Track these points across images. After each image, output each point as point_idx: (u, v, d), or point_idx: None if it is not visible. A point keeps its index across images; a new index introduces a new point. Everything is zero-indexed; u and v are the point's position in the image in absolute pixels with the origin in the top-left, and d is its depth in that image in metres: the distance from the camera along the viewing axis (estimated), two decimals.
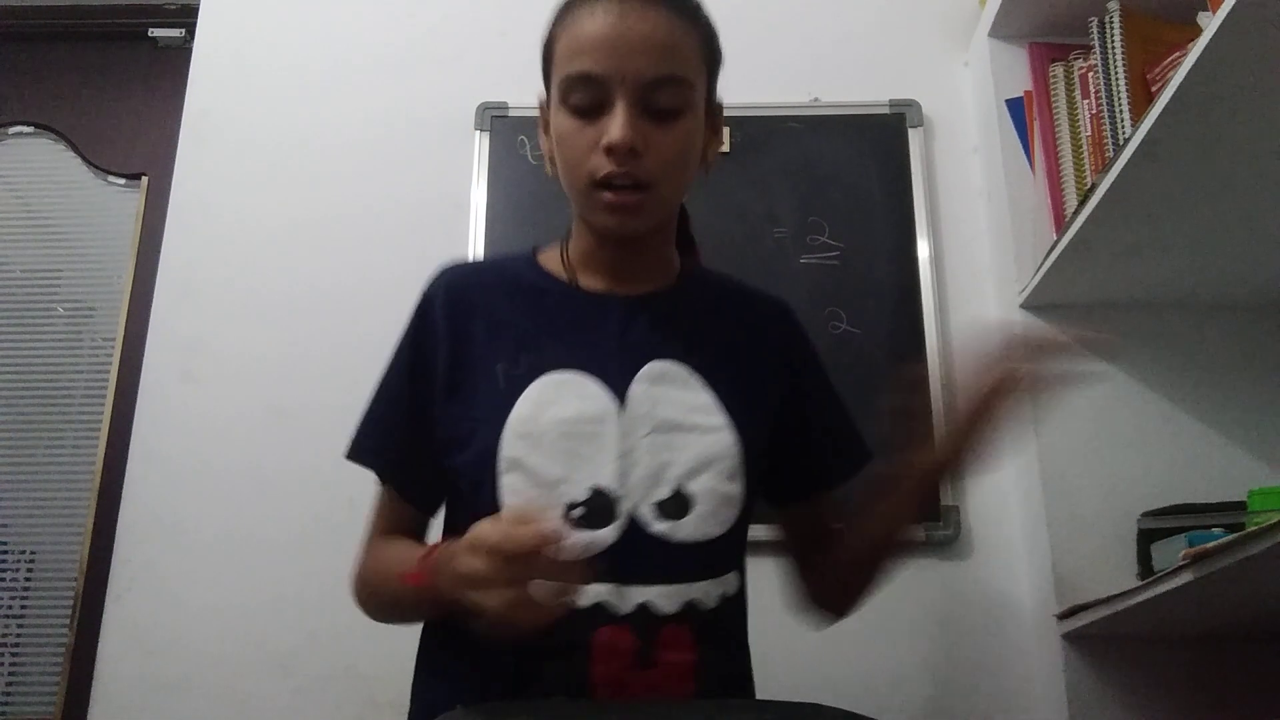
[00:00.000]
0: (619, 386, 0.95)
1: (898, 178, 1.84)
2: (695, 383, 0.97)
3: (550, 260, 1.06)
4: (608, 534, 0.89)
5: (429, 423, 0.99)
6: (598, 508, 0.90)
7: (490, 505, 0.90)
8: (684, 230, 1.11)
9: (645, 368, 0.96)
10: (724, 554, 0.95)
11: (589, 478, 0.90)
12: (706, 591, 0.91)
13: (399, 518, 1.04)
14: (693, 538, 0.91)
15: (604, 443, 0.92)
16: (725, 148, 1.85)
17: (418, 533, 1.05)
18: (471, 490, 0.94)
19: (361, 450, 1.05)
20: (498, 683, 0.88)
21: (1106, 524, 1.52)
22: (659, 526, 0.90)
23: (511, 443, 0.91)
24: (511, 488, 0.90)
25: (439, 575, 0.82)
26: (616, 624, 0.87)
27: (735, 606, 0.97)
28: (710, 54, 0.99)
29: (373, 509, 1.06)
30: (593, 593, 0.86)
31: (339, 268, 1.86)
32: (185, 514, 1.71)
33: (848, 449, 1.11)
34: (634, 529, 0.89)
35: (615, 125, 0.90)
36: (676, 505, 0.91)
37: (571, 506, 0.89)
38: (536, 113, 1.05)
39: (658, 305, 1.02)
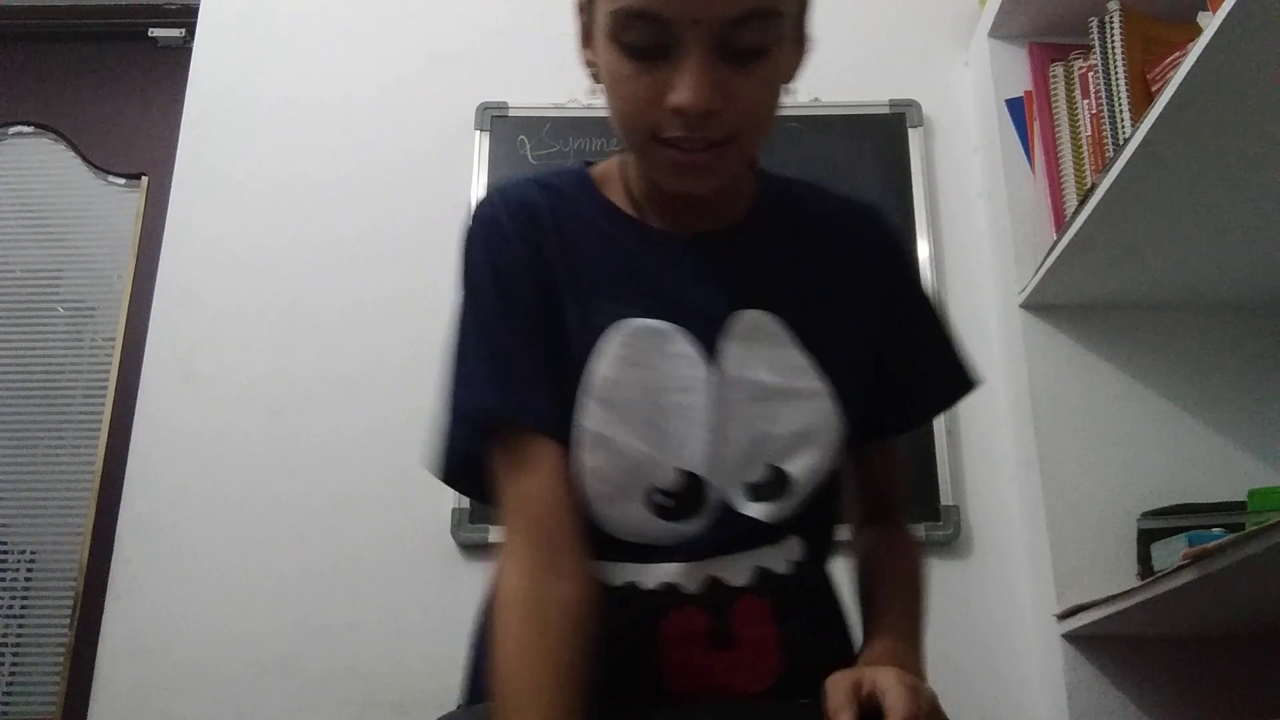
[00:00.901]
0: (709, 343, 0.80)
1: (898, 178, 1.84)
2: (786, 337, 0.82)
3: (610, 187, 0.88)
4: (694, 525, 0.78)
5: (554, 347, 0.81)
6: (684, 494, 0.78)
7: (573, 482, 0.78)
8: None
9: (737, 321, 0.82)
10: (791, 526, 0.82)
11: (675, 458, 0.78)
12: (774, 557, 0.80)
13: (566, 482, 0.78)
14: (782, 517, 0.80)
15: (694, 414, 0.79)
16: None
17: (566, 505, 0.79)
18: None
19: (513, 406, 0.79)
20: None
21: (1106, 524, 1.52)
22: (751, 509, 0.79)
23: (592, 411, 0.78)
24: (594, 469, 0.77)
25: None
26: (687, 605, 0.78)
27: (811, 571, 0.84)
28: None
29: (510, 490, 0.78)
30: (661, 573, 0.78)
31: (339, 267, 1.86)
32: (185, 514, 1.71)
33: (935, 383, 0.93)
34: (725, 516, 0.79)
35: (687, 84, 0.71)
36: (772, 487, 0.80)
37: (654, 491, 0.78)
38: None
39: (739, 241, 0.86)
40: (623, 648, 0.77)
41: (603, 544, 0.79)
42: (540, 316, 0.81)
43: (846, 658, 0.82)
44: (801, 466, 0.80)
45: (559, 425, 0.78)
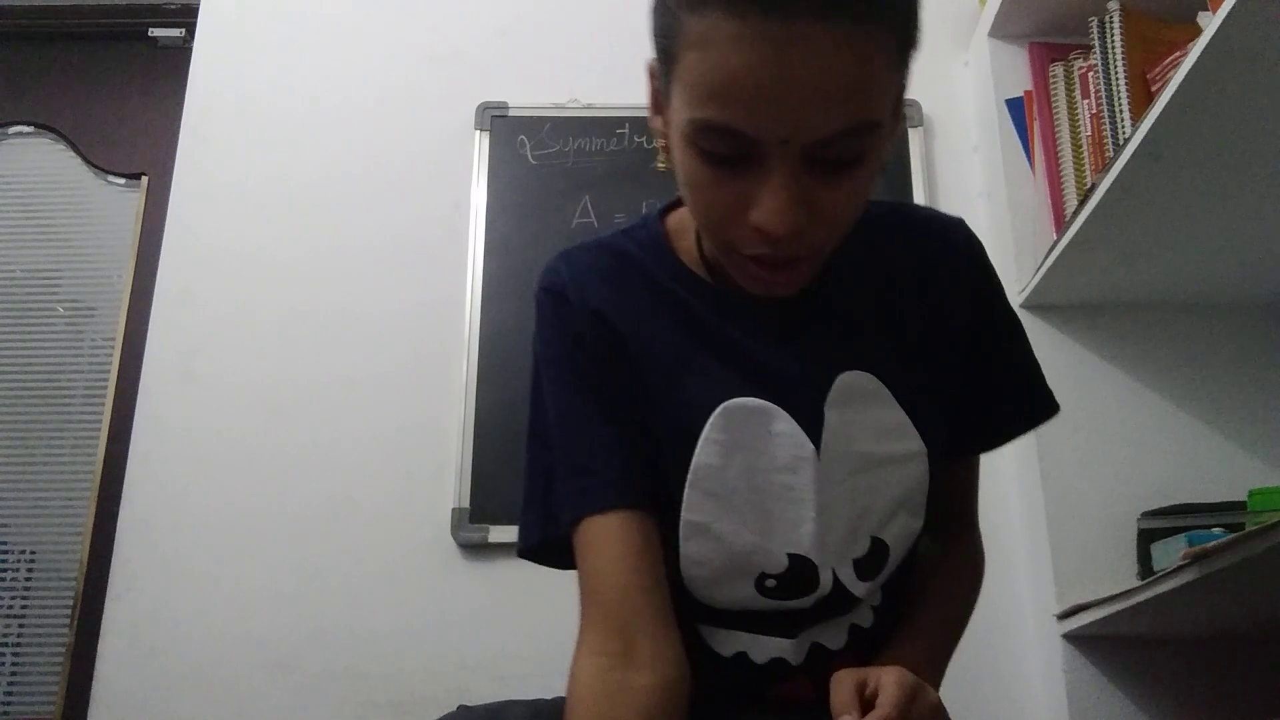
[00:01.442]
0: (810, 416, 0.76)
1: (898, 178, 1.84)
2: (885, 395, 0.78)
3: (683, 240, 0.82)
4: (806, 602, 0.77)
5: (640, 425, 0.77)
6: (796, 578, 0.76)
7: (670, 569, 0.76)
8: None
9: (834, 386, 0.77)
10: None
11: (784, 543, 0.75)
12: (862, 613, 0.80)
13: (646, 556, 0.74)
14: (879, 584, 0.80)
15: (800, 495, 0.75)
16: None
17: (657, 554, 0.76)
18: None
19: (574, 504, 0.76)
20: None
21: (1106, 524, 1.52)
22: (860, 589, 0.77)
23: (697, 501, 0.74)
24: (696, 557, 0.75)
25: None
26: (793, 677, 0.78)
27: (890, 617, 0.82)
28: (907, 40, 0.68)
29: (582, 571, 0.75)
30: (772, 648, 0.77)
31: (339, 267, 1.86)
32: (185, 514, 1.71)
33: (1016, 407, 0.90)
34: (835, 594, 0.77)
35: (770, 207, 0.63)
36: (873, 560, 0.78)
37: (765, 577, 0.76)
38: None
39: (822, 299, 0.79)
40: (729, 709, 0.78)
41: (710, 613, 0.79)
42: (612, 395, 0.77)
43: None
44: (896, 534, 0.79)
45: (632, 496, 0.74)
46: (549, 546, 0.80)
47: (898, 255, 0.84)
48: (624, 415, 0.77)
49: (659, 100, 0.72)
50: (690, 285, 0.80)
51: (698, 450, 0.75)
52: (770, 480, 0.75)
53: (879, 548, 0.77)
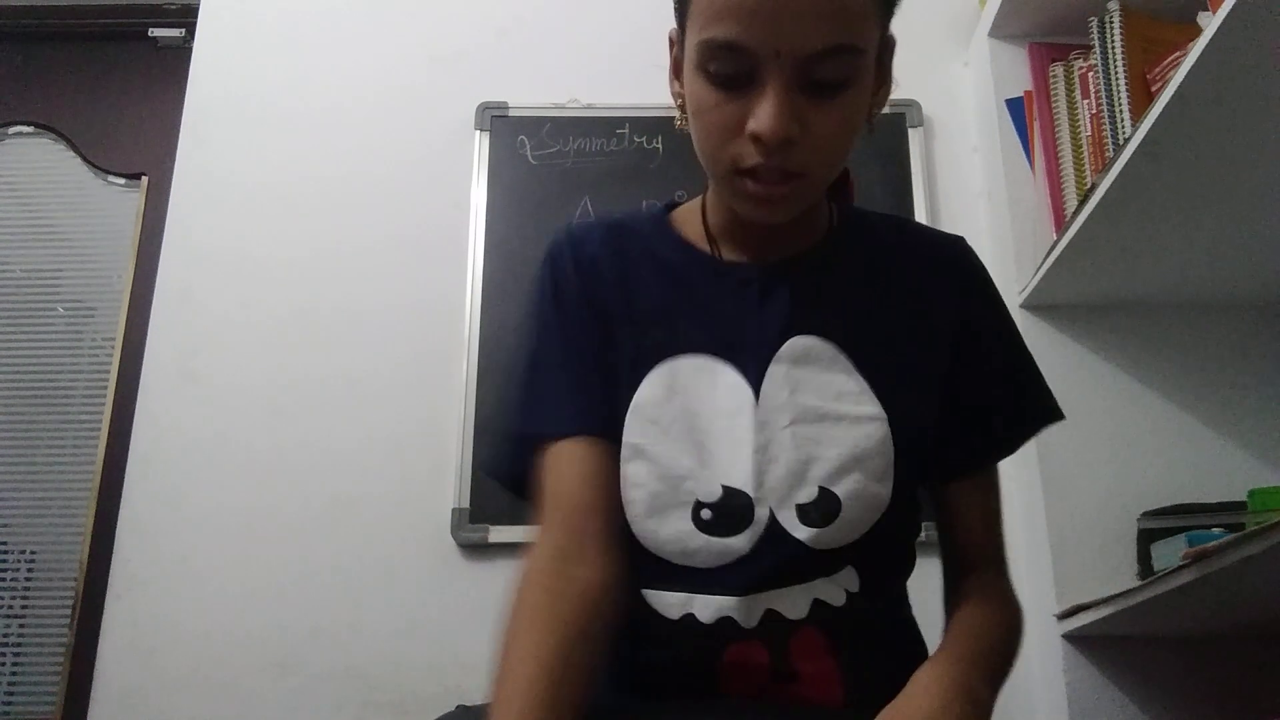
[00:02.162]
0: (756, 369, 0.82)
1: (898, 178, 1.84)
2: (843, 362, 0.83)
3: (687, 224, 0.91)
4: (741, 541, 0.78)
5: (605, 370, 0.84)
6: (730, 510, 0.79)
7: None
8: (843, 178, 0.95)
9: (785, 345, 0.83)
10: (848, 555, 0.81)
11: (720, 475, 0.79)
12: (831, 589, 0.80)
13: (601, 478, 0.81)
14: (833, 545, 0.79)
15: (738, 435, 0.80)
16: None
17: (606, 482, 0.82)
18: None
19: (559, 420, 0.83)
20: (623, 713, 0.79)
21: (1106, 524, 1.52)
22: (801, 532, 0.78)
23: (636, 427, 0.81)
24: (634, 479, 0.80)
25: None
26: (745, 640, 0.78)
27: (869, 603, 0.82)
28: None
29: (544, 491, 0.81)
30: (718, 606, 0.78)
31: (339, 267, 1.86)
32: (185, 514, 1.71)
33: (1012, 416, 0.91)
34: (772, 534, 0.78)
35: (766, 112, 0.72)
36: (821, 509, 0.79)
37: (700, 506, 0.79)
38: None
39: (804, 271, 0.86)
40: (682, 679, 0.78)
41: (655, 572, 0.80)
42: (584, 338, 0.85)
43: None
44: (850, 490, 0.79)
45: (595, 427, 0.82)
46: (515, 474, 0.85)
47: (892, 254, 0.90)
48: (591, 357, 0.85)
49: (678, 65, 0.84)
50: (683, 252, 0.89)
51: (642, 385, 0.82)
52: (711, 422, 0.81)
53: (827, 497, 0.79)
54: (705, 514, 0.79)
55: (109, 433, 1.90)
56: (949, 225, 1.83)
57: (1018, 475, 1.65)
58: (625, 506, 0.80)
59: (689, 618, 0.79)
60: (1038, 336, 1.63)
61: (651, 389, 0.82)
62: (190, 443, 1.75)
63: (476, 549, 1.67)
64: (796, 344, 0.83)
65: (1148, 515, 1.48)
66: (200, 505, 1.71)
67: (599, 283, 0.87)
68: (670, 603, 0.79)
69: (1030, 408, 0.92)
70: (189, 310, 1.84)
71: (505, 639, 0.72)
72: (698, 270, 0.87)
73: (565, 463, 0.81)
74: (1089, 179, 1.53)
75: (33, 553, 1.89)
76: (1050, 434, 1.57)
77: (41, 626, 1.84)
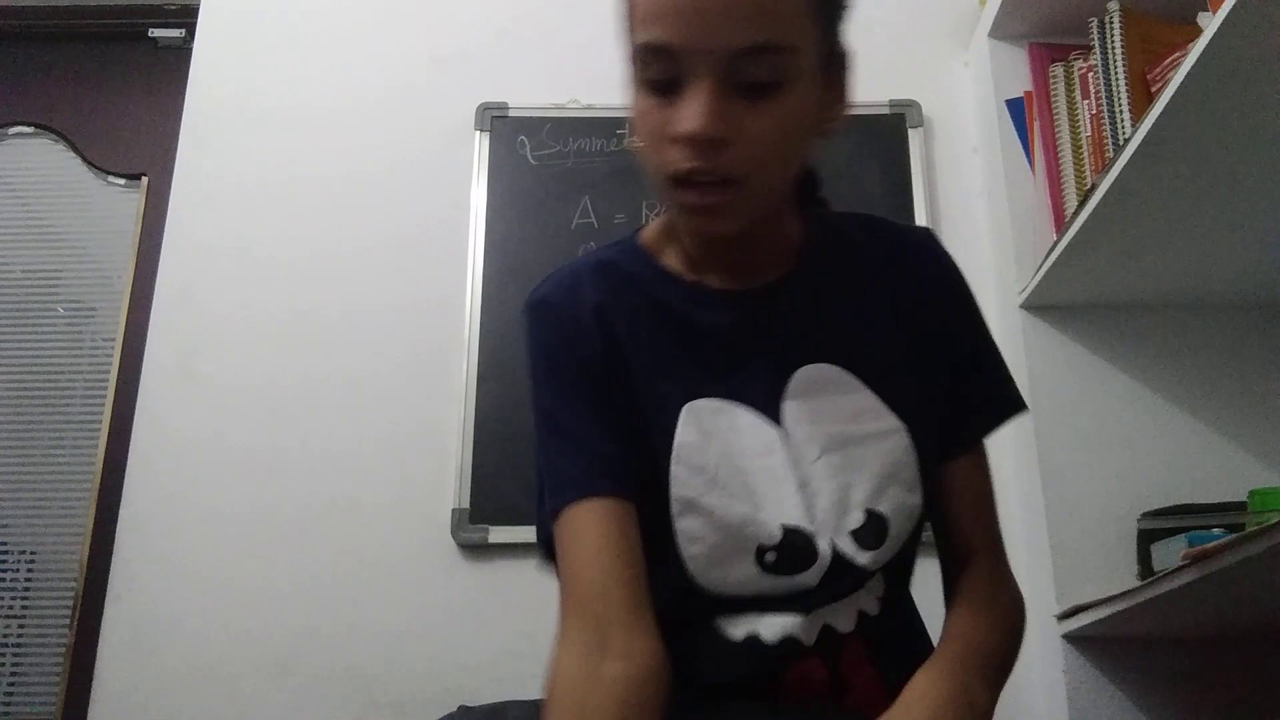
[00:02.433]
0: (772, 409, 0.81)
1: (898, 178, 1.84)
2: (852, 382, 0.83)
3: (664, 250, 0.88)
4: (809, 577, 0.78)
5: (626, 421, 0.81)
6: (794, 548, 0.78)
7: (669, 555, 0.78)
8: (813, 187, 0.93)
9: (794, 379, 0.82)
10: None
11: (775, 515, 0.78)
12: (867, 599, 0.81)
13: (622, 545, 0.76)
14: (885, 561, 0.80)
15: (778, 474, 0.79)
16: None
17: (631, 542, 0.78)
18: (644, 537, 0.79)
19: (567, 485, 0.78)
20: None
21: (1106, 524, 1.52)
22: (864, 558, 0.78)
23: (682, 478, 0.78)
24: (691, 533, 0.77)
25: None
26: (806, 657, 0.78)
27: (896, 606, 0.84)
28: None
29: (560, 567, 0.77)
30: (783, 625, 0.78)
31: (340, 267, 1.86)
32: (185, 515, 1.71)
33: (982, 406, 0.89)
34: (837, 565, 0.78)
35: (691, 111, 0.71)
36: (873, 531, 0.79)
37: (763, 550, 0.78)
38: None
39: (791, 295, 0.85)
40: (746, 699, 0.78)
41: (722, 603, 0.79)
42: (588, 392, 0.81)
43: None
44: (893, 506, 0.80)
45: (606, 488, 0.77)
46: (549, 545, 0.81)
47: (867, 258, 0.89)
48: (605, 409, 0.80)
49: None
50: (669, 284, 0.86)
51: (678, 431, 0.79)
52: (749, 463, 0.79)
53: (876, 519, 0.79)
54: (769, 557, 0.78)
55: (109, 433, 1.90)
56: (949, 225, 1.84)
57: (1018, 475, 1.66)
58: (686, 562, 0.78)
59: (753, 638, 0.78)
60: (1038, 336, 1.63)
61: (687, 434, 0.79)
62: (190, 443, 1.75)
63: (476, 549, 1.67)
64: (804, 375, 0.82)
65: (1148, 515, 1.48)
66: (200, 505, 1.71)
67: (603, 332, 0.83)
68: (735, 626, 0.79)
69: (998, 399, 0.90)
70: (189, 310, 1.84)
71: None
72: (690, 306, 0.84)
73: (577, 536, 0.75)
74: (1089, 179, 1.53)
75: (33, 553, 1.89)
76: (1050, 434, 1.58)
77: (41, 626, 1.84)
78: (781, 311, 0.84)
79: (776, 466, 0.79)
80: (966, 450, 0.88)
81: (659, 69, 0.73)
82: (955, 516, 0.87)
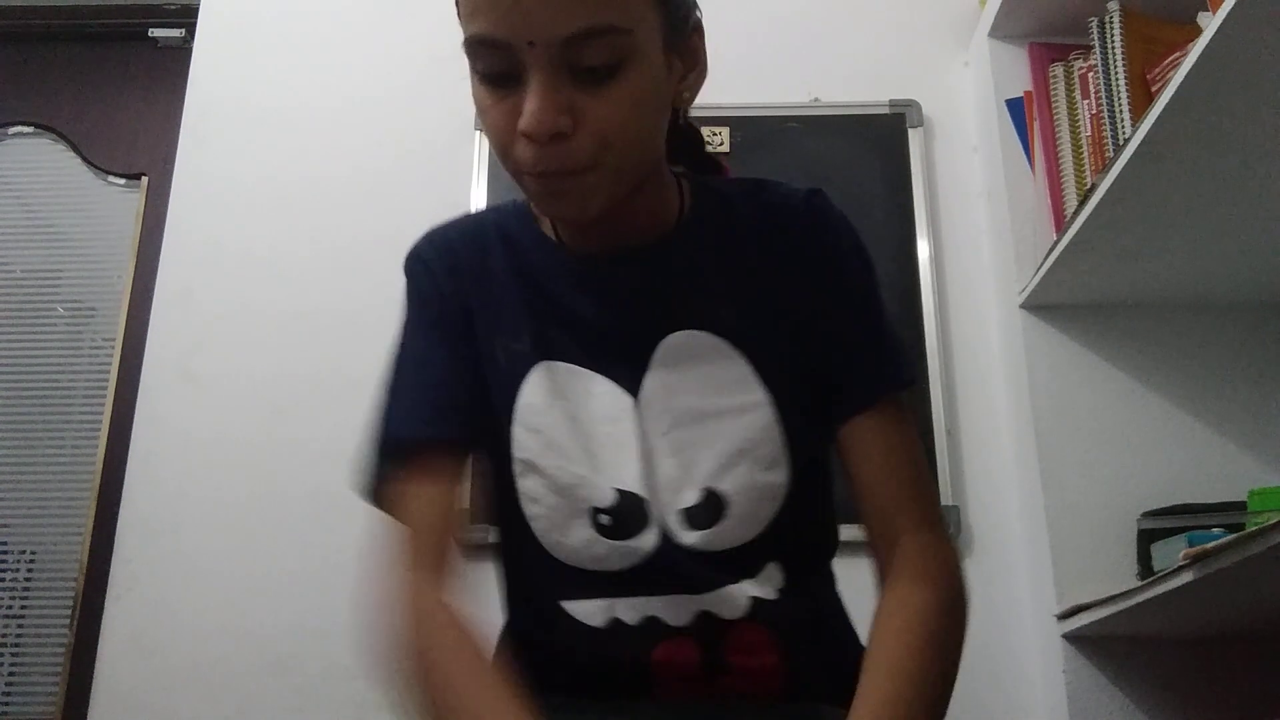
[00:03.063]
0: (631, 374, 0.80)
1: (898, 178, 1.84)
2: (725, 350, 0.80)
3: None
4: (643, 542, 0.77)
5: (476, 374, 0.83)
6: (627, 512, 0.77)
7: (514, 515, 0.80)
8: (697, 151, 0.91)
9: (661, 346, 0.80)
10: (765, 551, 0.78)
11: (611, 478, 0.77)
12: (762, 588, 0.77)
13: (428, 516, 0.81)
14: (731, 544, 0.77)
15: (623, 440, 0.78)
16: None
17: (452, 527, 0.83)
18: (494, 492, 0.83)
19: (413, 424, 0.82)
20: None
21: (1106, 524, 1.52)
22: (689, 538, 0.77)
23: (523, 439, 0.79)
24: (531, 494, 0.79)
25: None
26: (675, 637, 0.76)
27: (801, 598, 0.79)
28: None
29: (410, 510, 0.81)
30: (642, 606, 0.76)
31: (339, 267, 1.86)
32: (185, 514, 1.71)
33: (863, 374, 0.83)
34: (668, 540, 0.77)
35: (528, 108, 0.69)
36: (707, 510, 0.77)
37: (597, 512, 0.77)
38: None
39: (665, 259, 0.83)
40: (613, 682, 0.77)
41: (574, 582, 0.78)
42: (446, 344, 0.84)
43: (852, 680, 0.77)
44: (738, 484, 0.77)
45: (450, 433, 0.81)
46: (378, 486, 0.84)
47: (750, 224, 0.86)
48: (450, 362, 0.83)
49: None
50: (543, 249, 0.85)
51: (523, 392, 0.79)
52: (595, 428, 0.79)
53: (712, 498, 0.77)
54: (604, 519, 0.77)
55: (109, 433, 1.90)
56: (949, 225, 1.84)
57: (1018, 475, 1.66)
58: (530, 522, 0.79)
59: (615, 622, 0.77)
60: (1038, 336, 1.63)
61: (532, 395, 0.80)
62: (190, 442, 1.75)
63: (476, 549, 1.67)
64: (671, 342, 0.80)
65: (1148, 515, 1.48)
66: (200, 505, 1.71)
67: (460, 286, 0.85)
68: (593, 610, 0.78)
69: (879, 373, 0.84)
70: (189, 310, 1.84)
71: (445, 684, 0.71)
72: (556, 268, 0.84)
73: (422, 483, 0.80)
74: (1089, 179, 1.53)
75: (33, 553, 1.89)
76: (1050, 434, 1.59)
77: (41, 626, 1.84)
78: (652, 279, 0.82)
79: (622, 435, 0.78)
80: (842, 421, 0.82)
81: (491, 62, 0.72)
82: (867, 484, 0.80)
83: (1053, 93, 1.65)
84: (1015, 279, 1.66)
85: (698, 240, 0.84)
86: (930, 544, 0.79)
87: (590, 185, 0.74)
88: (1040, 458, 1.56)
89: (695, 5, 0.81)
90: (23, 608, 1.86)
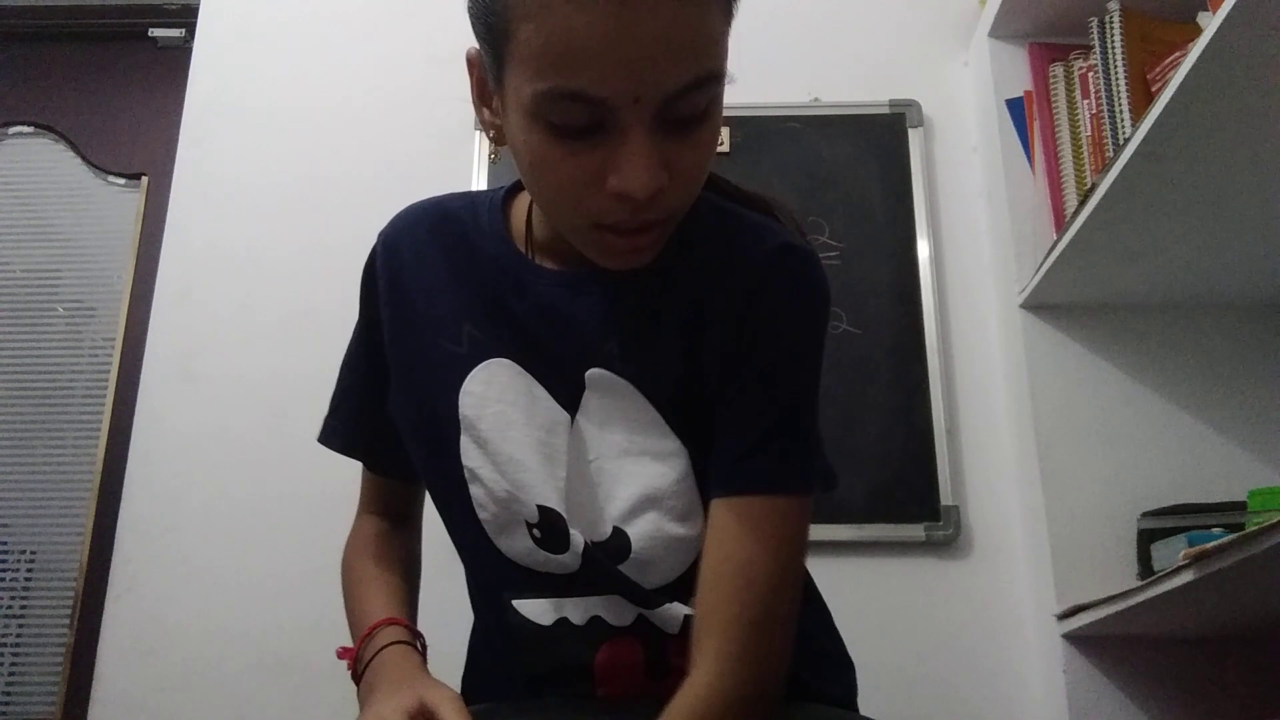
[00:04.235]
0: (569, 394, 0.78)
1: (898, 178, 1.84)
2: (634, 395, 0.77)
3: (519, 214, 0.85)
4: (568, 560, 0.77)
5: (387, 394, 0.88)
6: (552, 528, 0.77)
7: (468, 516, 0.80)
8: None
9: (587, 376, 0.78)
10: (688, 588, 0.75)
11: (536, 495, 0.76)
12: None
13: (380, 492, 0.99)
14: (653, 584, 0.76)
15: (554, 455, 0.77)
16: (726, 144, 1.85)
17: (406, 504, 0.99)
18: (440, 500, 0.85)
19: (328, 432, 0.96)
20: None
21: (1106, 524, 1.52)
22: (616, 566, 0.77)
23: (468, 448, 0.78)
24: (478, 500, 0.79)
25: (360, 691, 0.85)
26: (620, 638, 0.77)
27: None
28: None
29: (361, 482, 1.00)
30: (588, 606, 0.77)
31: (339, 267, 1.86)
32: (185, 514, 1.71)
33: (743, 461, 0.75)
34: (593, 561, 0.76)
35: (634, 168, 0.63)
36: (618, 548, 0.76)
37: (530, 525, 0.77)
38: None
39: (610, 294, 0.79)
40: (559, 681, 0.78)
41: (523, 581, 0.79)
42: (369, 356, 0.91)
43: (806, 690, 0.80)
44: (644, 531, 0.76)
45: (373, 456, 0.96)
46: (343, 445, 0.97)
47: (704, 270, 0.78)
48: (372, 374, 0.90)
49: (484, 90, 0.75)
50: (503, 253, 0.82)
51: (460, 399, 0.79)
52: (528, 434, 0.77)
53: (619, 538, 0.76)
54: (536, 532, 0.78)
55: (109, 432, 1.90)
56: (949, 225, 1.84)
57: (1018, 475, 1.66)
58: (483, 526, 0.80)
59: (562, 622, 0.78)
60: (1038, 336, 1.63)
61: (467, 402, 0.78)
62: (190, 442, 1.75)
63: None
64: (594, 375, 0.78)
65: (1148, 515, 1.48)
66: (200, 504, 1.71)
67: (401, 279, 0.87)
68: (541, 610, 0.79)
69: (775, 470, 0.75)
70: (188, 310, 1.84)
71: (353, 588, 0.94)
72: (513, 273, 0.80)
73: (370, 482, 1.00)
74: (1089, 179, 1.53)
75: (33, 553, 1.89)
76: (1050, 434, 1.58)
77: (41, 626, 1.84)
78: (590, 310, 0.78)
79: (555, 450, 0.77)
80: (720, 495, 0.75)
81: (572, 116, 0.63)
82: (701, 574, 0.73)
83: (1053, 93, 1.65)
84: (1015, 279, 1.66)
85: (643, 283, 0.78)
86: (714, 683, 0.69)
87: (662, 235, 0.71)
88: (1040, 458, 1.56)
89: None
90: (23, 608, 1.86)
